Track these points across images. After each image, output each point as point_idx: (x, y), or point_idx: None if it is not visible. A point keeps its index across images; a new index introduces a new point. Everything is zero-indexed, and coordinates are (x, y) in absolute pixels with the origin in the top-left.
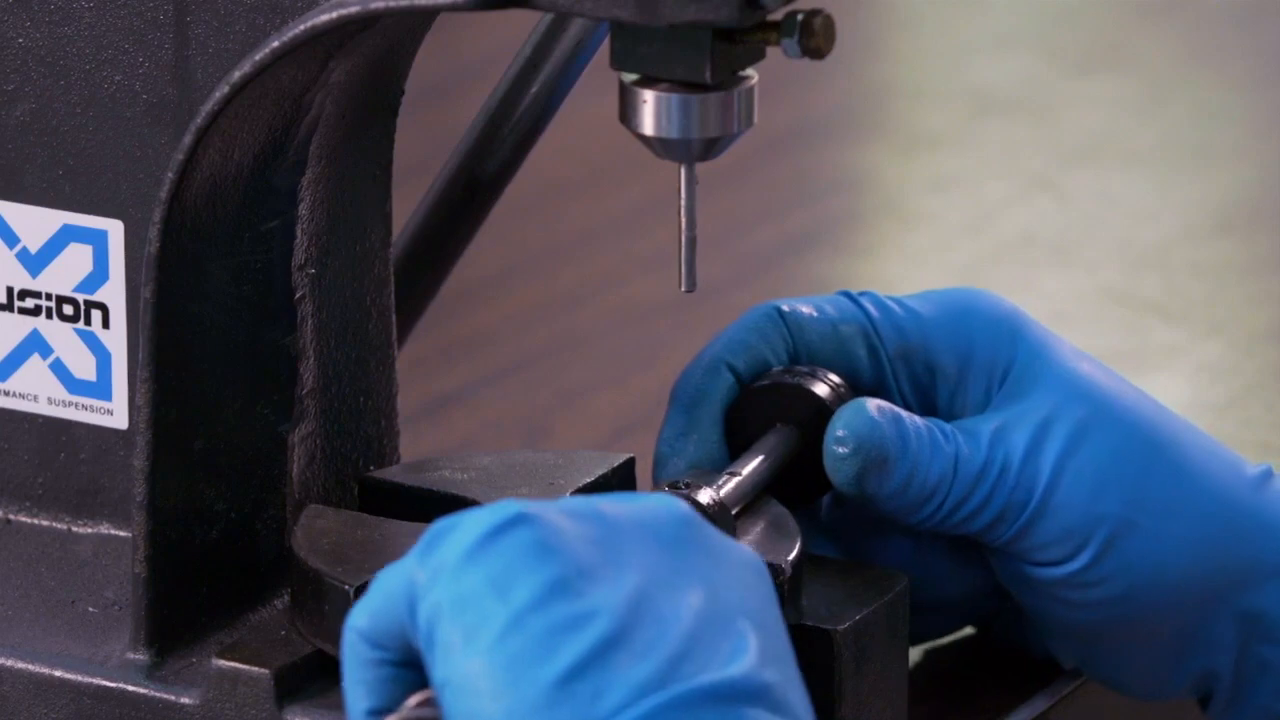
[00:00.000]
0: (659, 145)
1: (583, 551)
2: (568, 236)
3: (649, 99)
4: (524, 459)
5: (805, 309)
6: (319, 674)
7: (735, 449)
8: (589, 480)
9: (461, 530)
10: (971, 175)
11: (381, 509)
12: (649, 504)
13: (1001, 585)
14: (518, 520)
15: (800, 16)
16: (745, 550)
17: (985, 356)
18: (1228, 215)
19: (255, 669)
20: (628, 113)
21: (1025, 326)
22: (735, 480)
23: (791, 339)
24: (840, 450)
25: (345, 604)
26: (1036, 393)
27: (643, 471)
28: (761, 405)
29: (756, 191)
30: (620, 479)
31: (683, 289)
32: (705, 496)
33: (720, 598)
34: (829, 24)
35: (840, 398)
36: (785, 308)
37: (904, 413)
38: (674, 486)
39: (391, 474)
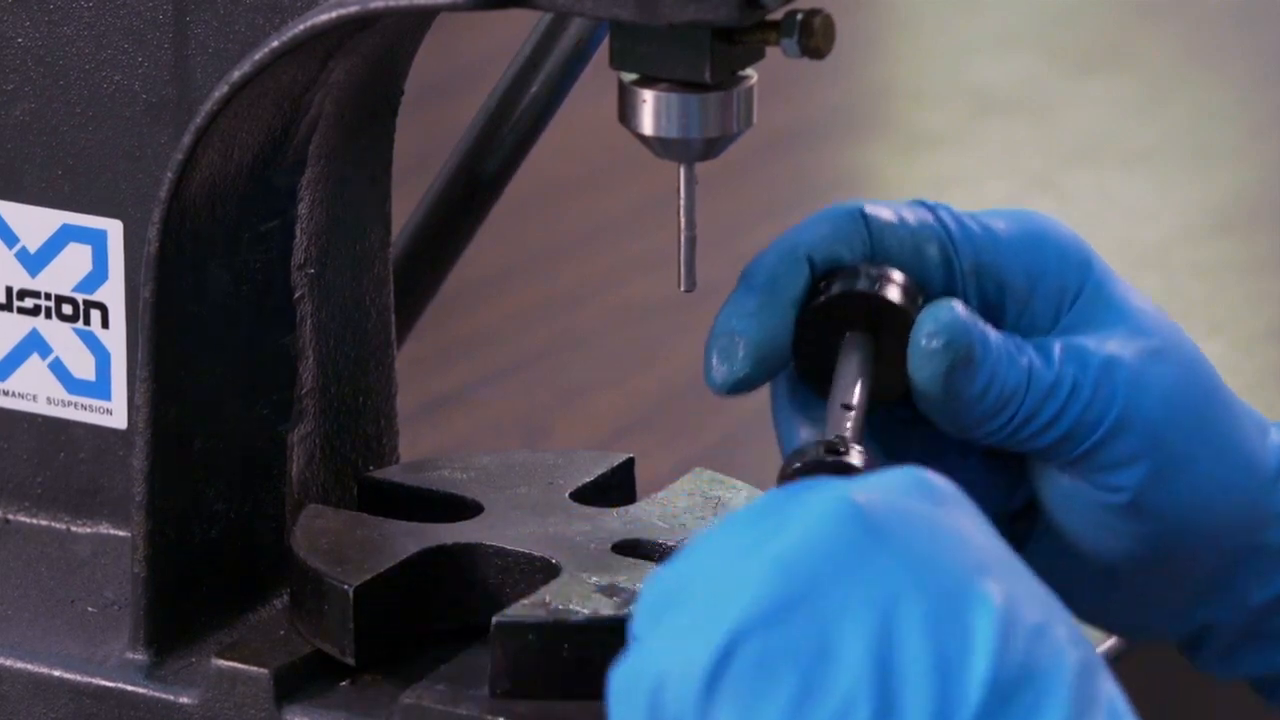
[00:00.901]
0: (658, 145)
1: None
2: (567, 236)
3: (648, 99)
4: (523, 459)
5: (886, 213)
6: (318, 674)
7: (803, 344)
8: (588, 480)
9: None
10: (971, 175)
11: (381, 509)
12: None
13: (1034, 509)
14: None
15: (800, 16)
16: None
17: (1056, 279)
18: (1227, 215)
19: (254, 669)
20: (627, 112)
21: (1094, 257)
22: (854, 416)
23: (870, 242)
24: (932, 345)
25: (344, 604)
26: (1108, 319)
27: (642, 472)
28: (839, 309)
29: (756, 191)
30: (619, 478)
31: (682, 289)
32: (856, 457)
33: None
34: (828, 24)
35: (914, 302)
36: (868, 209)
37: (982, 321)
38: (807, 460)
39: (391, 474)
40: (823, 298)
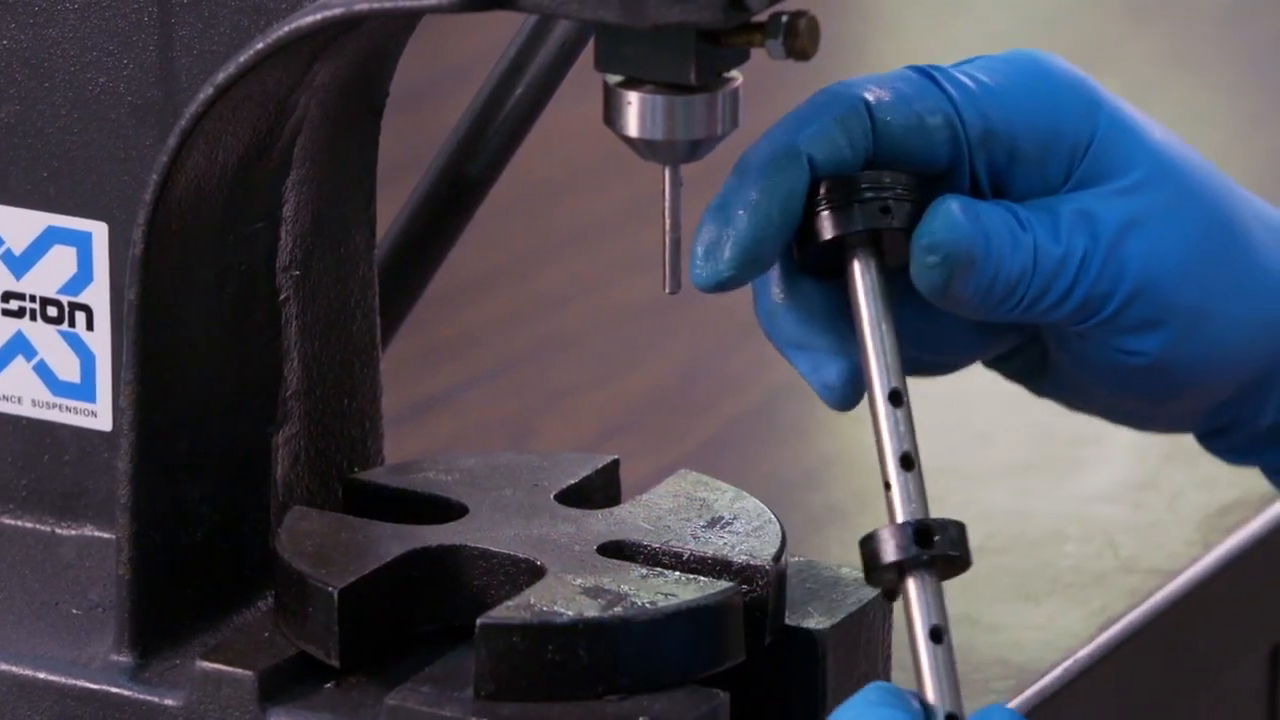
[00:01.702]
0: (643, 147)
1: None
2: (552, 238)
3: (633, 100)
4: (509, 460)
5: (887, 97)
6: (303, 676)
7: (804, 253)
8: (573, 482)
9: None
10: None
11: (366, 511)
12: None
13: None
14: None
15: (785, 18)
16: None
17: (1068, 134)
18: None
19: (239, 671)
20: (612, 114)
21: (1101, 96)
22: (916, 473)
23: (873, 134)
24: (930, 259)
25: (329, 605)
26: (1119, 170)
27: (627, 474)
28: (839, 242)
29: None
30: (604, 480)
31: (667, 290)
32: (949, 544)
33: None
34: (814, 26)
35: (918, 207)
36: (870, 98)
37: (982, 206)
38: (907, 557)
39: (376, 476)
40: (822, 238)
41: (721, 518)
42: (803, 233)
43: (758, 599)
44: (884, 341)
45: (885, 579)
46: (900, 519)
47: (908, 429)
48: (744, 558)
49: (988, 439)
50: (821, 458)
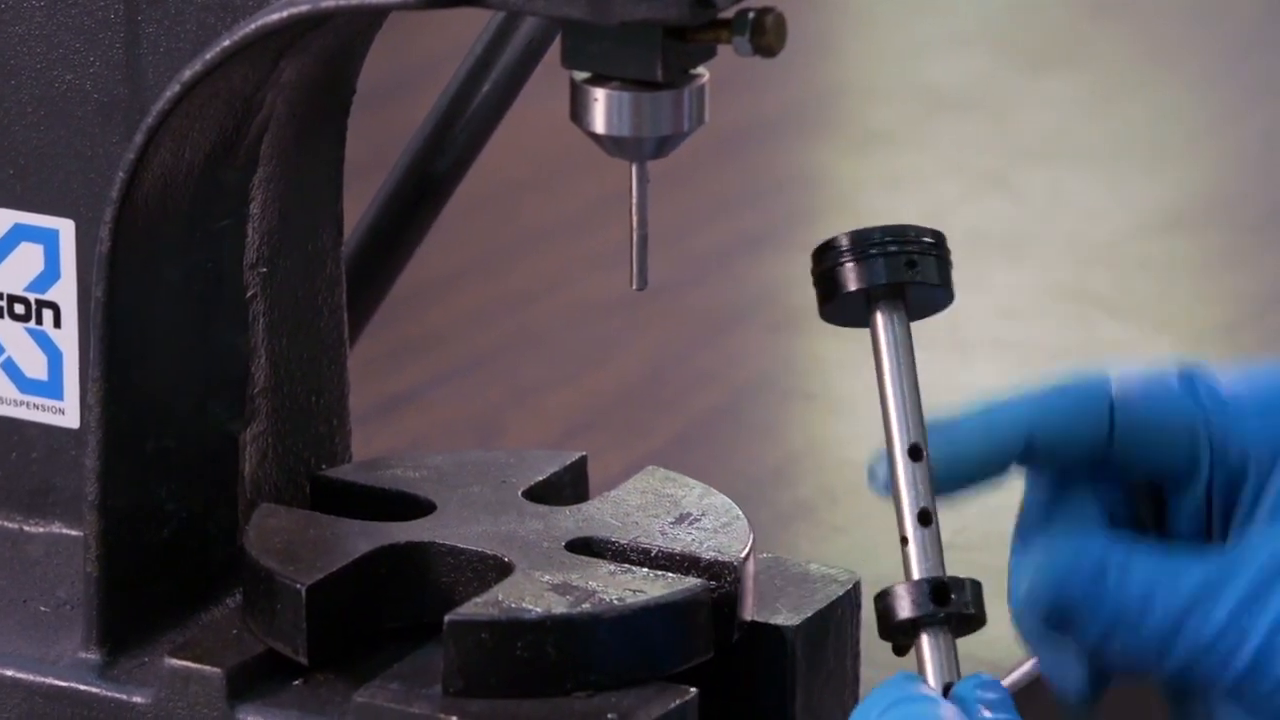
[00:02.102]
0: (610, 143)
1: None
2: (519, 235)
3: (600, 97)
4: (476, 458)
5: (1135, 394)
6: (271, 673)
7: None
8: (541, 478)
9: None
10: (924, 173)
11: (333, 508)
12: None
13: None
14: None
15: (751, 14)
16: None
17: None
18: (1179, 213)
19: (207, 668)
20: (579, 111)
21: None
22: (933, 528)
23: (1111, 428)
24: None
25: (297, 603)
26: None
27: (595, 470)
28: (858, 286)
29: (709, 190)
30: (573, 477)
31: (634, 287)
32: (968, 604)
33: None
34: (780, 22)
35: (937, 258)
36: (1116, 391)
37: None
38: (921, 615)
39: (343, 473)
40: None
41: (689, 514)
42: (827, 285)
43: (726, 595)
44: (905, 396)
45: (898, 636)
46: (916, 576)
47: (926, 485)
48: (712, 554)
49: None
50: (790, 454)
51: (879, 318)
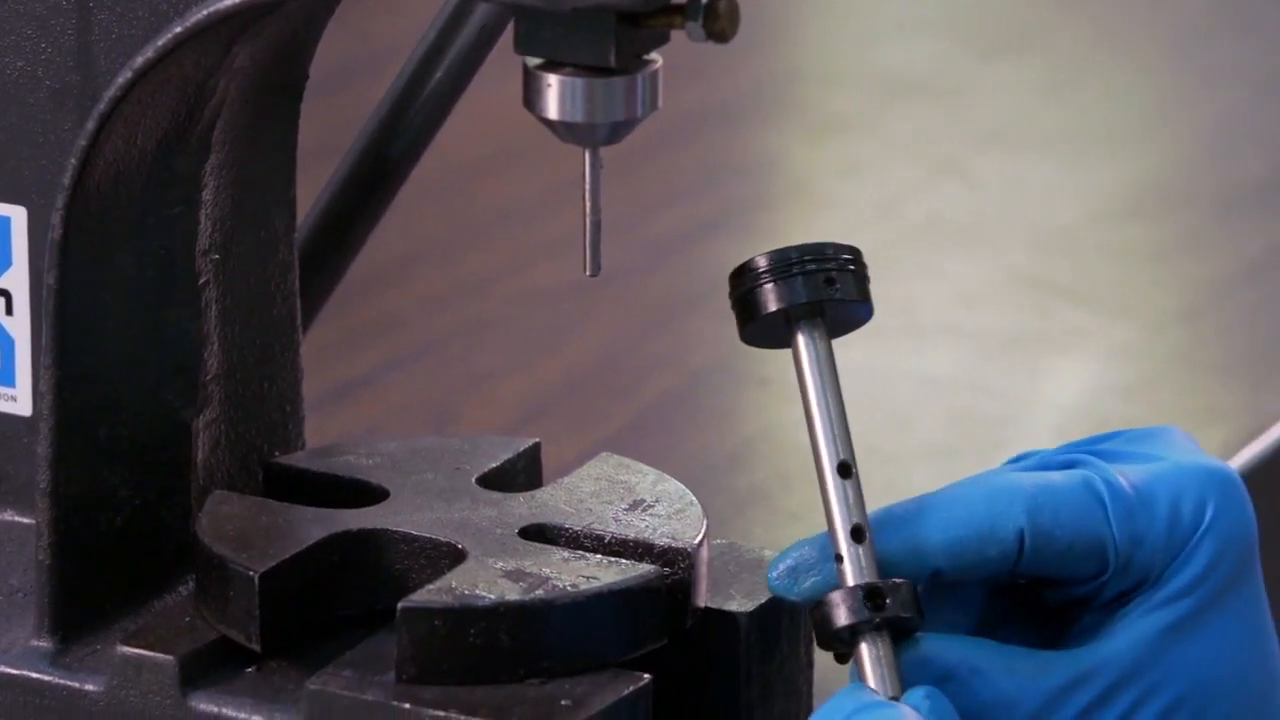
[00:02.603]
0: (563, 129)
1: None
2: (473, 221)
3: (553, 83)
4: (430, 444)
5: (1044, 519)
6: (224, 660)
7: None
8: (495, 465)
9: None
10: (880, 159)
11: (286, 494)
12: None
13: None
14: None
15: (704, 0)
16: None
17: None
18: (1136, 198)
19: (160, 655)
20: (532, 97)
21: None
22: (867, 545)
23: (1019, 554)
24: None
25: (250, 590)
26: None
27: (549, 457)
28: (778, 306)
29: (664, 176)
30: (526, 464)
31: (588, 273)
32: (903, 607)
33: None
34: (733, 7)
35: (855, 274)
36: (1027, 525)
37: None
38: (858, 621)
39: (296, 459)
40: (765, 311)
41: (643, 501)
42: (746, 307)
43: (679, 582)
44: (830, 413)
45: (837, 645)
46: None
47: (857, 500)
48: (666, 540)
49: (908, 421)
50: (744, 440)
51: (800, 338)
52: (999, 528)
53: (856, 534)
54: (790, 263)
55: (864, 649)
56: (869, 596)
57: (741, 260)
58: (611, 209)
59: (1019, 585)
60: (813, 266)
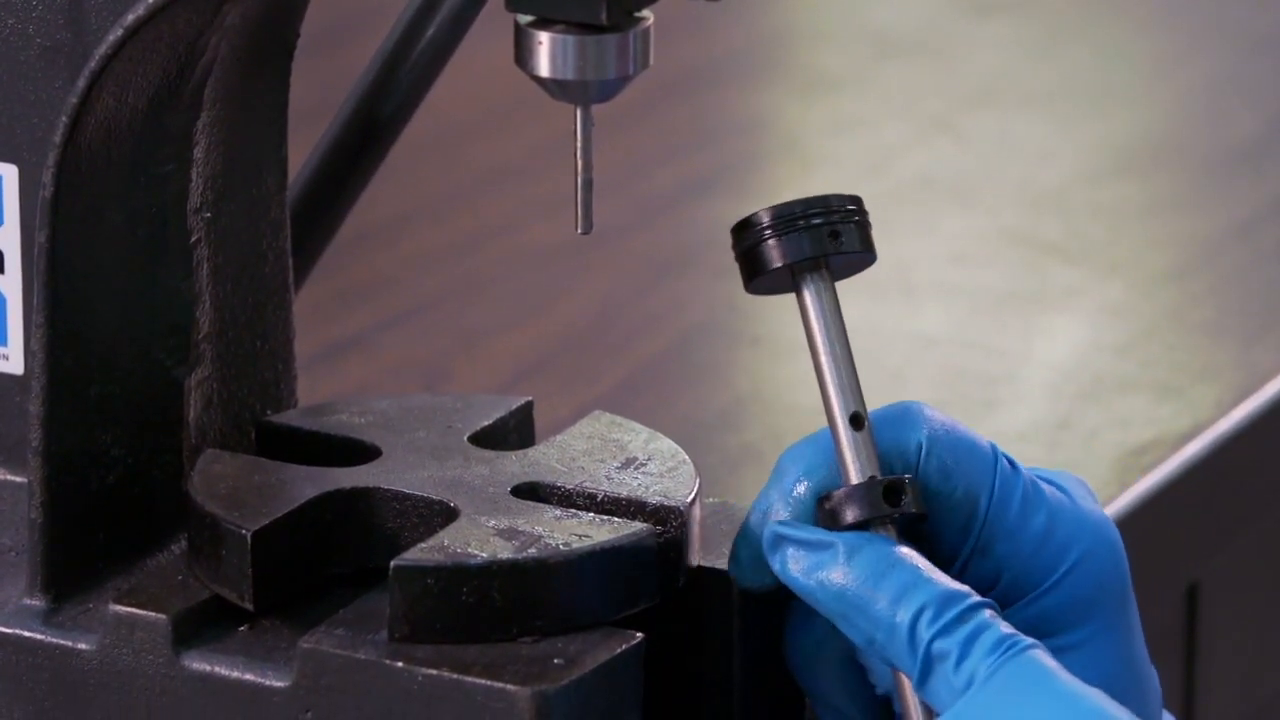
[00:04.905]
0: (555, 87)
1: None
2: (465, 179)
3: (544, 41)
4: (422, 402)
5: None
6: (216, 619)
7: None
8: (487, 423)
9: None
10: (871, 117)
11: (278, 453)
12: None
13: None
14: None
15: None
16: None
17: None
18: (1127, 156)
19: (152, 614)
20: (523, 55)
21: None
22: (867, 433)
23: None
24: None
25: (242, 548)
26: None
27: (541, 415)
28: (783, 262)
29: (656, 134)
30: (519, 422)
31: (579, 231)
32: (912, 503)
33: None
34: None
35: (858, 224)
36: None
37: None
38: (876, 513)
39: (289, 418)
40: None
41: (636, 459)
42: (751, 262)
43: (672, 540)
44: (840, 365)
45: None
46: None
47: (870, 451)
48: (658, 499)
49: (901, 378)
50: (736, 398)
51: (807, 292)
52: (902, 439)
53: (856, 422)
54: (795, 217)
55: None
56: (887, 491)
57: (735, 218)
58: (603, 167)
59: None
60: (818, 220)
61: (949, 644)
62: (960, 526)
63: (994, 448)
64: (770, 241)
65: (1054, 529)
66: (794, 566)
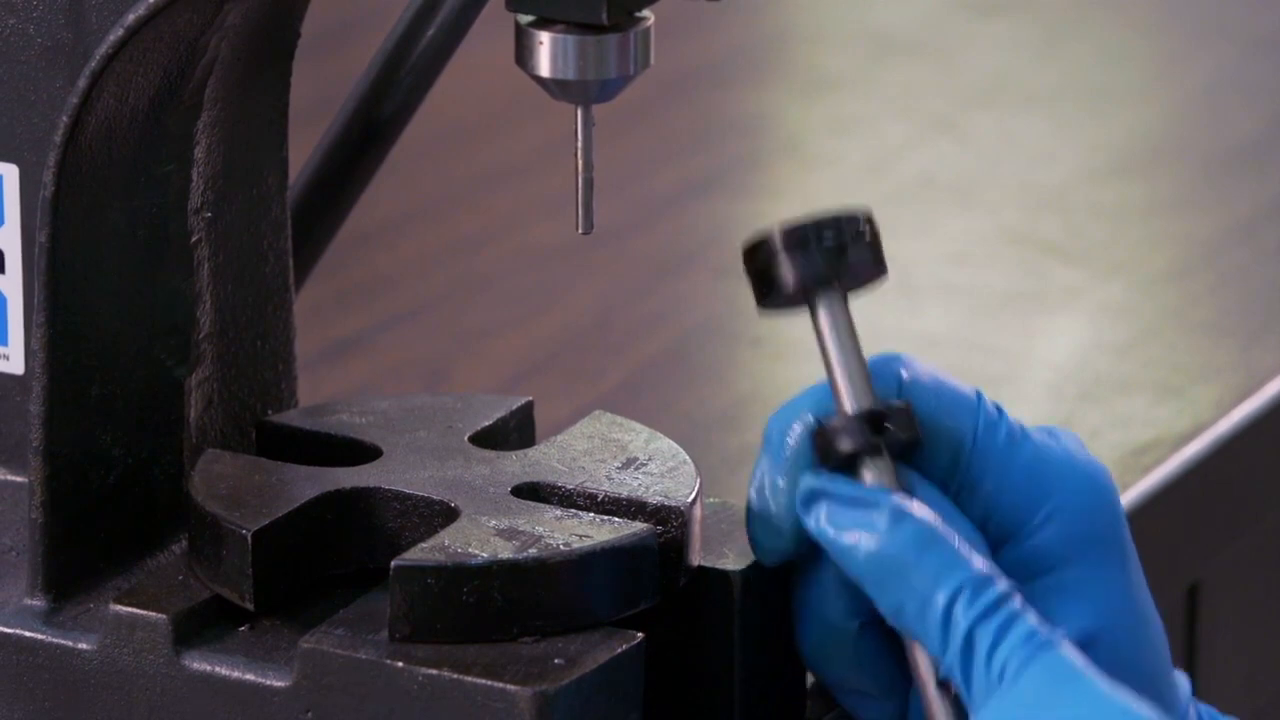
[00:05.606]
0: (555, 87)
1: None
2: (465, 180)
3: (545, 41)
4: (423, 403)
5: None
6: (217, 619)
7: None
8: (487, 423)
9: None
10: (872, 117)
11: (279, 453)
12: None
13: None
14: None
15: None
16: None
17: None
18: (1128, 156)
19: (152, 614)
20: (524, 55)
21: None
22: (861, 375)
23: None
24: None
25: (243, 548)
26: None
27: (541, 415)
28: (796, 281)
29: (657, 134)
30: (519, 422)
31: (580, 231)
32: (904, 429)
33: None
34: None
35: (870, 236)
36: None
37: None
38: (862, 443)
39: (289, 418)
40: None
41: (636, 459)
42: (765, 283)
43: (672, 540)
44: (855, 383)
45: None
46: None
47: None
48: (659, 499)
49: None
50: (737, 398)
51: (821, 311)
52: (885, 385)
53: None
54: (805, 238)
55: (865, 473)
56: (869, 421)
57: (735, 218)
58: (604, 167)
59: None
60: (830, 240)
61: (984, 630)
62: (945, 465)
63: (978, 392)
64: (784, 262)
65: (1041, 468)
66: (831, 523)
